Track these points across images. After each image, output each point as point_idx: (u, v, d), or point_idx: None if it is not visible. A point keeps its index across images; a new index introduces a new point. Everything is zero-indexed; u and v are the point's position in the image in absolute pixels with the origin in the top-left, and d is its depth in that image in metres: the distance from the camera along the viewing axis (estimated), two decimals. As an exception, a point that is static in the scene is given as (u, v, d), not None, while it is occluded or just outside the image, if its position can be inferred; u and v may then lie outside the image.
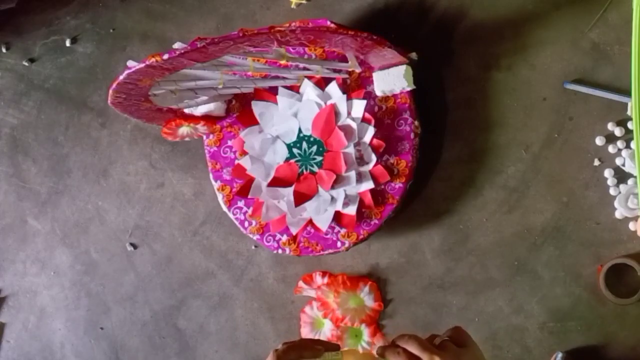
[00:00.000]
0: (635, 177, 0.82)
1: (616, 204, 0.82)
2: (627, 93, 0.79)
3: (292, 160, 0.89)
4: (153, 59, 0.66)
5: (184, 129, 0.89)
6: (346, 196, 0.86)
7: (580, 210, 0.84)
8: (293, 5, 0.96)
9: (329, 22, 0.81)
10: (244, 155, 0.91)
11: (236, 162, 0.92)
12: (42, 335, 1.08)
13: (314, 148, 0.88)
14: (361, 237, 0.87)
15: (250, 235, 0.91)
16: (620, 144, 0.83)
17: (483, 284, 0.88)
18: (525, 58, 0.86)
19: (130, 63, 0.68)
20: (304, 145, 0.89)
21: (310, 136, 0.89)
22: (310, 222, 0.88)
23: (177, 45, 0.71)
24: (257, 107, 0.91)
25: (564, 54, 0.85)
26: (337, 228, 0.87)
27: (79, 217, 1.06)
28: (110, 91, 0.72)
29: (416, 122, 0.85)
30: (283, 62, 0.83)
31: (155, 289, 1.02)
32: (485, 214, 0.88)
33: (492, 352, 0.87)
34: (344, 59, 0.87)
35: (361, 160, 0.87)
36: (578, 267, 0.84)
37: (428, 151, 0.88)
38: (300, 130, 0.89)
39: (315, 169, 0.88)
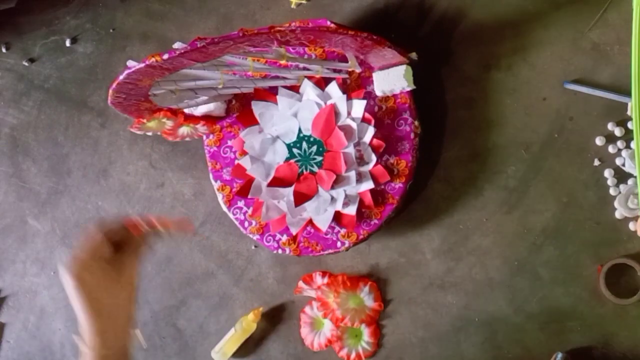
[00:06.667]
0: (635, 177, 0.82)
1: (616, 204, 0.82)
2: (627, 93, 0.79)
3: (292, 160, 0.89)
4: (153, 59, 0.66)
5: (184, 129, 0.89)
6: (346, 196, 0.86)
7: (580, 210, 0.84)
8: (293, 5, 0.96)
9: (328, 22, 0.81)
10: (244, 155, 0.91)
11: (236, 162, 0.92)
12: (42, 335, 1.08)
13: (314, 148, 0.88)
14: (361, 237, 0.87)
15: (250, 235, 0.91)
16: (620, 144, 0.83)
17: (483, 284, 0.88)
18: (525, 58, 0.86)
19: (130, 63, 0.68)
20: (304, 145, 0.89)
21: (310, 136, 0.89)
22: (310, 222, 0.88)
23: (177, 45, 0.71)
24: (257, 107, 0.91)
25: (564, 54, 0.85)
26: (337, 228, 0.87)
27: (79, 217, 1.06)
28: (110, 91, 0.72)
29: (416, 122, 0.85)
30: (283, 62, 0.83)
31: (155, 289, 1.02)
32: (485, 214, 0.88)
33: (492, 352, 0.87)
34: (344, 59, 0.87)
35: (361, 160, 0.86)
36: (578, 267, 0.84)
37: (428, 151, 0.88)
38: (300, 130, 0.89)
39: (315, 169, 0.88)
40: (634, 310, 0.82)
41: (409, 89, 0.84)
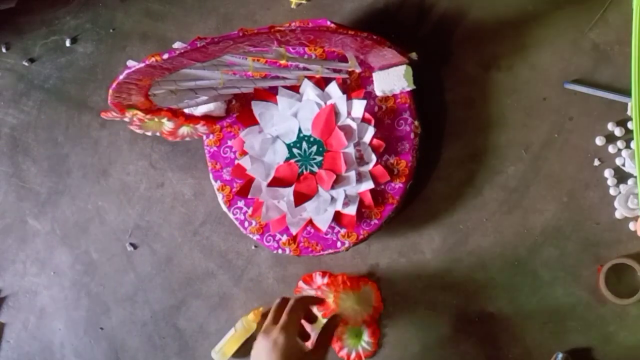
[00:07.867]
0: (635, 177, 0.82)
1: (616, 204, 0.82)
2: (627, 93, 0.79)
3: (292, 160, 0.89)
4: (153, 59, 0.66)
5: (184, 129, 0.89)
6: (346, 196, 0.86)
7: (580, 210, 0.84)
8: (293, 5, 0.96)
9: (328, 22, 0.81)
10: (244, 155, 0.91)
11: (236, 162, 0.92)
12: (42, 335, 1.08)
13: (314, 148, 0.88)
14: (361, 237, 0.87)
15: (250, 235, 0.91)
16: (620, 144, 0.83)
17: (483, 283, 0.88)
18: (525, 58, 0.86)
19: (130, 63, 0.68)
20: (304, 145, 0.89)
21: (310, 136, 0.89)
22: (310, 222, 0.88)
23: (177, 44, 0.71)
24: (257, 107, 0.91)
25: (564, 54, 0.85)
26: (337, 228, 0.87)
27: (79, 217, 1.06)
28: (110, 91, 0.72)
29: (416, 122, 0.85)
30: (283, 62, 0.83)
31: (155, 289, 1.02)
32: (485, 214, 0.88)
33: (492, 352, 0.87)
34: (344, 59, 0.87)
35: (361, 160, 0.86)
36: (578, 267, 0.84)
37: (428, 151, 0.88)
38: (300, 130, 0.89)
39: (315, 169, 0.88)
40: (634, 310, 0.82)
41: (409, 89, 0.84)
